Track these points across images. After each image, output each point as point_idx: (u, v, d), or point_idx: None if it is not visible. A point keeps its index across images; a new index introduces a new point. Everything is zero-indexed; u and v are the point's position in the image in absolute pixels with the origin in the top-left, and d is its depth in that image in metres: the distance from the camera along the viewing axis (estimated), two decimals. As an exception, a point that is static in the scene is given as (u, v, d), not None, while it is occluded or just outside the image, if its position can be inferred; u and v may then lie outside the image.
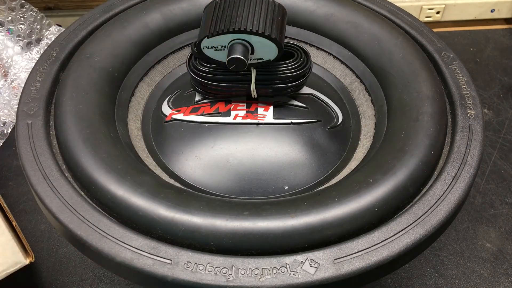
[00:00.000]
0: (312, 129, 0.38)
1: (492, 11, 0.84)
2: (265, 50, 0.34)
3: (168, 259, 0.27)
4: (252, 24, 0.33)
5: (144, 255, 0.28)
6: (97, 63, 0.37)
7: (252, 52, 0.35)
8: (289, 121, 0.38)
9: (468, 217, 0.58)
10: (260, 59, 0.35)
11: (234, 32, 0.33)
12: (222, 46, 0.34)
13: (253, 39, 0.33)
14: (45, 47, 0.44)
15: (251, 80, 0.37)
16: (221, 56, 0.35)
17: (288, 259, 0.27)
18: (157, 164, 0.37)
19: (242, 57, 0.33)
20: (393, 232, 0.29)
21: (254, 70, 0.36)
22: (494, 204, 0.59)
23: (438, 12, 0.84)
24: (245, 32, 0.33)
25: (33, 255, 0.45)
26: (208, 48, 0.34)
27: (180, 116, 0.39)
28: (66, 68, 0.38)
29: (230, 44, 0.34)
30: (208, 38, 0.33)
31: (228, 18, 0.33)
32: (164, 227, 0.28)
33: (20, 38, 0.70)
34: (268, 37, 0.33)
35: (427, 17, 0.84)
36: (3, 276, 0.44)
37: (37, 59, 0.40)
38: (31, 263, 0.45)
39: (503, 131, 0.68)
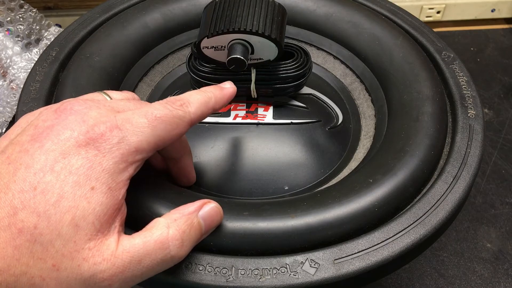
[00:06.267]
0: (312, 129, 0.38)
1: (492, 10, 0.84)
2: (265, 50, 0.34)
3: (168, 260, 0.27)
4: (252, 24, 0.33)
5: (144, 256, 0.27)
6: (97, 63, 0.37)
7: (252, 52, 0.34)
8: (289, 121, 0.38)
9: (468, 217, 0.58)
10: (260, 59, 0.35)
11: (234, 32, 0.33)
12: (222, 46, 0.34)
13: (253, 39, 0.33)
14: (45, 48, 0.44)
15: (251, 80, 0.37)
16: (221, 56, 0.35)
17: (288, 260, 0.27)
18: (157, 164, 0.36)
19: (242, 57, 0.33)
20: (394, 232, 0.29)
21: (254, 70, 0.36)
22: (494, 204, 0.59)
23: (438, 12, 0.84)
24: (245, 32, 0.33)
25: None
26: (208, 48, 0.34)
27: (180, 116, 0.38)
28: (66, 68, 0.38)
29: (230, 44, 0.34)
30: (208, 38, 0.33)
31: (228, 18, 0.33)
32: (163, 227, 0.28)
33: (19, 39, 0.70)
34: (268, 37, 0.33)
35: (427, 16, 0.84)
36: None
37: (37, 59, 0.40)
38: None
39: (503, 131, 0.68)
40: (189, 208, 0.26)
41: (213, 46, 0.34)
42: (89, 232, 0.22)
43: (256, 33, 0.33)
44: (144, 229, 0.25)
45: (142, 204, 0.29)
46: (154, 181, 0.31)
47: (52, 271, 0.22)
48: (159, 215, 0.28)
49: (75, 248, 0.22)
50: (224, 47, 0.34)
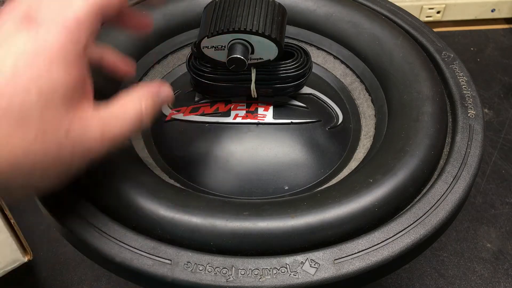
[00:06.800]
0: (312, 129, 0.38)
1: (492, 10, 0.84)
2: (265, 50, 0.34)
3: (168, 259, 0.27)
4: (252, 24, 0.33)
5: (144, 255, 0.27)
6: (97, 63, 0.37)
7: (252, 52, 0.34)
8: (289, 121, 0.38)
9: (468, 217, 0.58)
10: (260, 59, 0.35)
11: (234, 32, 0.33)
12: (222, 46, 0.34)
13: (253, 39, 0.33)
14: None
15: (251, 80, 0.37)
16: (221, 56, 0.35)
17: (288, 260, 0.27)
18: (157, 164, 0.36)
19: (242, 57, 0.33)
20: (394, 232, 0.29)
21: (254, 70, 0.36)
22: (494, 204, 0.59)
23: (438, 12, 0.83)
24: (245, 32, 0.33)
25: (31, 253, 0.45)
26: (208, 48, 0.34)
27: (180, 116, 0.38)
28: (66, 68, 0.38)
29: (230, 44, 0.34)
30: (208, 38, 0.33)
31: (228, 18, 0.33)
32: (164, 227, 0.28)
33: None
34: (268, 37, 0.33)
35: (427, 16, 0.84)
36: (2, 274, 0.44)
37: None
38: (30, 262, 0.45)
39: (503, 131, 0.68)
40: (152, 88, 0.28)
41: (213, 46, 0.34)
42: (65, 103, 0.23)
43: (256, 33, 0.33)
44: (119, 100, 0.26)
45: (142, 205, 0.29)
46: (154, 180, 0.31)
47: (36, 138, 0.22)
48: (159, 215, 0.28)
49: (56, 117, 0.22)
50: (224, 47, 0.34)
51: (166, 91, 0.30)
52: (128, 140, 0.35)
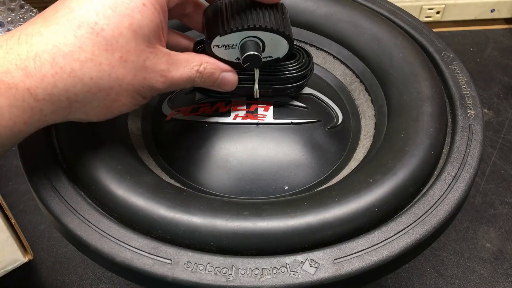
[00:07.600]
0: (312, 129, 0.38)
1: (492, 11, 0.84)
2: (276, 48, 0.34)
3: (168, 259, 0.27)
4: (267, 22, 0.33)
5: (144, 255, 0.28)
6: (97, 63, 0.37)
7: (263, 50, 0.34)
8: (289, 121, 0.38)
9: (468, 217, 0.58)
10: (269, 57, 0.35)
11: (249, 29, 0.33)
12: (233, 45, 0.34)
13: (266, 37, 0.33)
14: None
15: (252, 81, 0.37)
16: (230, 55, 0.35)
17: (288, 259, 0.27)
18: (157, 164, 0.36)
19: (257, 53, 0.33)
20: (393, 232, 0.29)
21: (257, 70, 0.36)
22: (494, 204, 0.59)
23: (438, 12, 0.83)
24: (260, 29, 0.33)
25: (31, 253, 0.45)
26: (218, 46, 0.34)
27: (180, 116, 0.38)
28: (66, 68, 0.38)
29: (243, 42, 0.33)
30: (221, 36, 0.33)
31: (241, 16, 0.33)
32: (164, 227, 0.28)
33: (20, 38, 0.69)
34: (282, 34, 0.33)
35: (427, 17, 0.84)
36: (2, 274, 0.44)
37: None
38: (30, 262, 0.45)
39: (503, 131, 0.68)
40: (220, 64, 0.34)
41: (224, 45, 0.34)
42: (147, 40, 0.27)
43: (272, 30, 0.33)
44: (187, 53, 0.31)
45: (142, 205, 0.29)
46: (154, 180, 0.31)
47: (120, 61, 0.26)
48: (159, 215, 0.28)
49: (138, 48, 0.27)
50: (235, 45, 0.34)
51: (231, 76, 0.34)
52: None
